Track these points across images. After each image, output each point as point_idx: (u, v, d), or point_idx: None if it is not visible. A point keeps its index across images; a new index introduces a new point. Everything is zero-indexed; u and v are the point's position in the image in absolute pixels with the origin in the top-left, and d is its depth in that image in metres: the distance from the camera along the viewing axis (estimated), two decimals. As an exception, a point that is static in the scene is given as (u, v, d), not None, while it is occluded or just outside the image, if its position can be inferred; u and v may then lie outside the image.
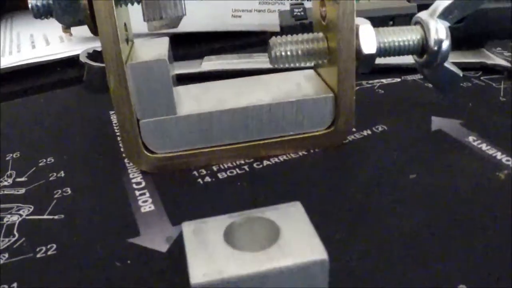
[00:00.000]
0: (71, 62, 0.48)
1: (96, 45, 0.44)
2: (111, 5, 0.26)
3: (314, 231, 0.19)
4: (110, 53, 0.27)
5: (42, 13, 0.28)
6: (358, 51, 0.29)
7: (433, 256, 0.22)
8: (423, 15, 0.32)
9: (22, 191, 0.29)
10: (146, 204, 0.27)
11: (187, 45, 0.50)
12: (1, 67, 0.47)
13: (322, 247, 0.19)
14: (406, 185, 0.27)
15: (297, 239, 0.19)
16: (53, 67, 0.48)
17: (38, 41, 0.54)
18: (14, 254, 0.24)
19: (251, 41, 0.52)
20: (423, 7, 0.42)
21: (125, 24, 0.29)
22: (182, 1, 0.26)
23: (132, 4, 0.28)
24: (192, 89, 0.32)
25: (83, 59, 0.43)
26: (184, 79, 0.40)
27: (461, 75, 0.32)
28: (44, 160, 0.32)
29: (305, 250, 0.19)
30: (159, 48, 0.29)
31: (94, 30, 0.27)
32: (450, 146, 0.30)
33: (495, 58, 0.41)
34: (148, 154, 0.29)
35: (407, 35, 0.31)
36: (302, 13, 0.44)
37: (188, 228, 0.20)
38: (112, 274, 0.23)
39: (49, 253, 0.24)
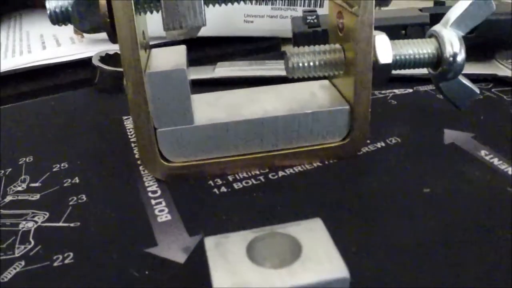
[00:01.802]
0: (82, 64, 0.48)
1: (108, 48, 0.44)
2: (131, 13, 0.26)
3: (335, 248, 0.20)
4: (129, 61, 0.27)
5: (60, 19, 0.28)
6: (374, 61, 0.29)
7: (448, 269, 0.23)
8: (437, 27, 0.32)
9: (36, 196, 0.30)
10: (162, 213, 0.27)
11: (199, 49, 0.50)
12: (13, 68, 0.47)
13: (344, 265, 0.19)
14: (420, 199, 0.27)
15: (318, 256, 0.19)
16: (64, 69, 0.48)
17: (48, 42, 0.54)
18: (30, 262, 0.25)
19: (263, 46, 0.52)
20: (435, 16, 0.43)
21: (143, 32, 0.29)
22: (203, 11, 0.26)
23: (151, 12, 0.28)
24: (207, 98, 0.32)
25: (95, 62, 0.43)
26: (197, 85, 0.40)
27: (478, 91, 0.32)
28: (58, 166, 0.32)
29: (327, 267, 0.19)
30: (177, 56, 0.29)
31: (113, 37, 0.27)
32: (463, 160, 0.30)
33: (505, 69, 0.41)
34: (164, 162, 0.29)
35: (423, 48, 0.31)
36: (315, 20, 0.44)
37: (210, 242, 0.20)
38: (130, 284, 0.23)
39: (66, 261, 0.24)
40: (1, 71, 0.46)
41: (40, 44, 0.53)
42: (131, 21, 0.26)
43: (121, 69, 0.41)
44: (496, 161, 0.30)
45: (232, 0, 0.29)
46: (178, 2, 0.26)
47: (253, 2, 0.29)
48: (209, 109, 0.31)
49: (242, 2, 0.29)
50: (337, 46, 0.30)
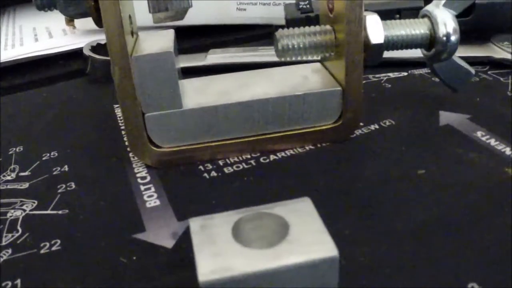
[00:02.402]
0: (75, 55, 0.47)
1: (100, 38, 0.44)
2: (116, -4, 0.25)
3: (324, 228, 0.19)
4: (115, 45, 0.26)
5: (45, 4, 0.28)
6: (366, 42, 0.29)
7: (443, 253, 0.22)
8: (429, 7, 0.31)
9: (25, 185, 0.29)
10: (151, 199, 0.27)
11: (191, 38, 0.49)
12: (4, 61, 0.46)
13: (333, 244, 0.18)
14: (415, 180, 0.27)
15: (306, 236, 0.19)
16: (56, 60, 0.48)
17: (41, 34, 0.53)
18: (17, 250, 0.24)
19: (256, 34, 0.51)
20: (430, 0, 0.42)
21: (129, 17, 0.28)
22: (189, -8, 0.26)
23: (137, -5, 0.28)
24: (197, 82, 0.32)
25: (86, 52, 0.43)
26: (189, 72, 0.40)
27: (473, 72, 0.32)
28: (48, 154, 0.32)
29: (315, 247, 0.18)
30: (165, 40, 0.29)
31: (98, 22, 0.27)
32: (458, 141, 0.30)
33: (502, 52, 0.40)
34: (153, 148, 0.29)
35: (415, 28, 0.31)
36: (308, 6, 0.43)
37: (195, 224, 0.20)
38: (117, 270, 0.22)
39: (53, 248, 0.24)
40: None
41: (32, 36, 0.53)
42: (116, 4, 0.25)
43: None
44: (492, 141, 0.30)
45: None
46: (164, -16, 0.26)
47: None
48: (198, 93, 0.30)
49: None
50: (328, 27, 0.30)
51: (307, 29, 0.29)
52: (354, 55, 0.28)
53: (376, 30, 0.29)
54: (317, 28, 0.30)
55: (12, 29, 0.58)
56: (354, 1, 0.27)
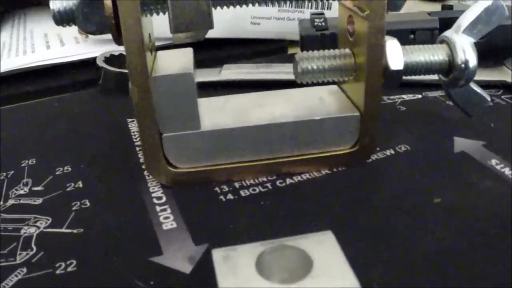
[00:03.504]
0: (86, 64, 0.47)
1: (112, 48, 0.44)
2: (137, 15, 0.25)
3: (347, 263, 0.19)
4: (134, 65, 0.26)
5: (64, 20, 0.28)
6: (385, 67, 0.29)
7: (460, 281, 0.22)
8: (448, 33, 0.31)
9: (39, 201, 0.29)
10: (167, 221, 0.27)
11: (206, 51, 0.49)
12: (17, 67, 0.46)
13: (356, 281, 0.18)
14: (431, 209, 0.27)
15: (330, 271, 0.19)
16: (68, 69, 0.48)
17: (52, 41, 0.53)
18: (32, 269, 0.24)
19: (269, 48, 0.51)
20: (444, 20, 0.42)
21: (149, 34, 0.28)
22: (211, 14, 0.26)
23: (158, 14, 0.28)
24: (214, 102, 0.32)
25: (100, 63, 0.42)
26: (203, 87, 0.40)
27: (489, 99, 0.32)
28: (61, 169, 0.32)
29: (339, 284, 0.18)
30: (184, 60, 0.29)
31: (118, 39, 0.27)
32: (473, 169, 0.30)
33: (516, 76, 0.40)
34: (170, 168, 0.29)
35: (434, 54, 0.31)
36: (323, 23, 0.43)
37: (218, 255, 0.19)
38: (134, 295, 0.22)
39: (68, 269, 0.24)
40: (6, 70, 0.46)
41: (44, 43, 0.53)
42: (137, 23, 0.25)
43: (125, 71, 0.40)
44: (507, 170, 0.29)
45: (240, 2, 0.28)
46: (186, 4, 0.25)
47: (261, 4, 0.28)
48: (216, 113, 0.30)
49: (250, 4, 0.29)
50: (347, 51, 0.30)
51: (326, 52, 0.29)
52: (373, 80, 0.28)
53: (395, 56, 0.29)
54: (337, 51, 0.30)
55: (23, 34, 0.58)
56: (376, 27, 0.27)
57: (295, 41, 0.47)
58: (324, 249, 0.19)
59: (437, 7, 0.67)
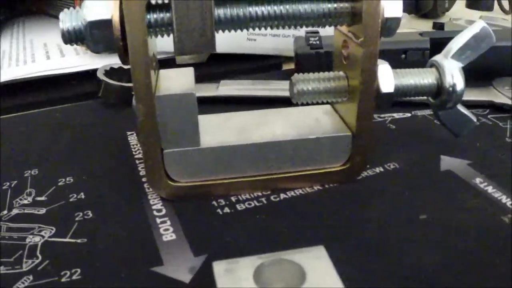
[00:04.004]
0: (87, 76, 0.48)
1: (112, 61, 0.45)
2: (144, 37, 0.26)
3: (337, 276, 0.20)
4: (141, 84, 0.27)
5: (73, 39, 0.29)
6: (377, 90, 0.30)
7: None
8: (438, 57, 0.33)
9: (42, 211, 0.30)
10: (167, 232, 0.28)
11: (202, 66, 0.50)
12: (18, 77, 0.47)
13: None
14: (417, 225, 0.28)
15: (322, 284, 0.20)
16: (68, 80, 0.49)
17: (52, 52, 0.54)
18: (38, 277, 0.25)
19: (265, 64, 0.53)
20: (435, 40, 0.44)
21: (153, 54, 0.30)
22: (214, 38, 0.27)
23: (162, 36, 0.29)
24: (214, 119, 0.33)
25: (100, 76, 0.44)
26: (200, 102, 0.41)
27: (475, 120, 0.33)
28: (63, 180, 0.33)
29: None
30: (186, 79, 0.30)
31: (125, 60, 0.28)
32: (458, 187, 0.31)
33: (502, 97, 0.42)
34: (170, 182, 0.30)
35: (423, 77, 0.32)
36: (318, 42, 0.45)
37: (219, 267, 0.21)
38: (137, 303, 0.24)
39: (73, 277, 0.25)
40: (6, 80, 0.47)
41: (44, 53, 0.54)
42: (144, 45, 0.27)
43: (126, 84, 0.41)
44: (490, 189, 0.31)
45: (241, 26, 0.29)
46: (191, 28, 0.27)
47: (260, 28, 0.30)
48: (216, 131, 0.31)
49: (251, 29, 0.30)
50: (341, 74, 0.31)
51: (321, 74, 0.31)
52: (365, 102, 0.30)
53: (387, 79, 0.30)
54: (331, 74, 0.31)
55: (23, 43, 0.59)
56: (370, 52, 0.28)
57: (291, 57, 0.48)
58: (316, 263, 0.21)
59: (428, 24, 0.69)
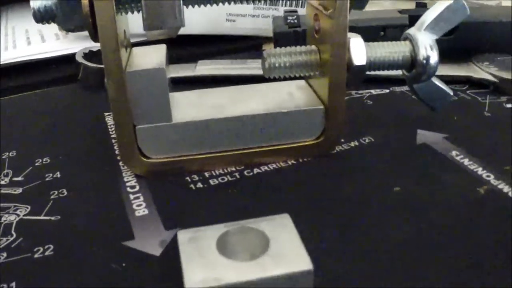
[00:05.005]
0: (67, 60, 0.48)
1: (92, 44, 0.45)
2: (112, 13, 0.26)
3: (301, 243, 0.21)
4: (110, 60, 0.27)
5: (44, 18, 0.29)
6: (349, 63, 0.30)
7: (419, 267, 0.24)
8: (411, 30, 0.33)
9: (19, 190, 0.30)
10: (140, 208, 0.28)
11: (181, 47, 0.51)
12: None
13: (308, 258, 0.20)
14: (391, 198, 0.28)
15: (285, 250, 0.20)
16: (48, 65, 0.49)
17: (33, 37, 0.54)
18: (12, 254, 0.25)
19: (245, 45, 0.53)
20: (414, 18, 0.44)
21: (124, 31, 0.30)
22: (182, 12, 0.27)
23: (132, 12, 0.29)
24: (188, 96, 0.33)
25: (79, 59, 0.44)
26: (178, 83, 0.41)
27: (452, 93, 0.34)
28: (40, 160, 0.33)
29: (292, 261, 0.20)
30: (157, 55, 0.30)
31: (95, 36, 0.28)
32: (434, 160, 0.32)
33: (482, 72, 0.42)
34: (143, 159, 0.30)
35: (396, 50, 0.32)
36: (296, 20, 0.45)
37: (183, 236, 0.21)
38: (108, 276, 0.24)
39: (46, 253, 0.25)
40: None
41: (25, 39, 0.54)
42: (112, 21, 0.27)
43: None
44: (466, 161, 0.31)
45: (210, 1, 0.29)
46: (159, 3, 0.27)
47: (232, 2, 0.30)
48: (189, 107, 0.31)
49: (220, 3, 0.30)
50: (313, 47, 0.31)
51: (293, 49, 0.31)
52: (337, 76, 0.30)
53: (359, 52, 0.30)
54: (303, 48, 0.31)
55: (5, 30, 0.59)
56: (340, 25, 0.28)
57: (270, 37, 0.48)
58: (281, 230, 0.21)
59: (412, 4, 0.69)
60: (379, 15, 0.46)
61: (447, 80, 0.35)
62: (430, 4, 0.64)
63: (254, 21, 0.52)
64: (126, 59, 0.29)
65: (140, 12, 0.28)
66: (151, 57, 0.30)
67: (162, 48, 0.31)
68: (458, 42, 0.44)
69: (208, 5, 0.30)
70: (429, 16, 0.33)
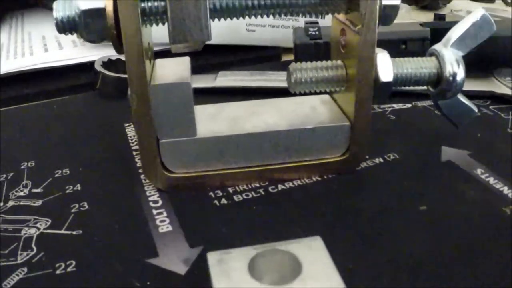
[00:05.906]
0: (84, 67, 0.48)
1: (110, 53, 0.44)
2: (138, 25, 0.26)
3: (334, 267, 0.20)
4: (134, 72, 0.27)
5: (67, 29, 0.29)
6: (375, 79, 0.30)
7: (442, 284, 0.23)
8: (437, 46, 0.32)
9: (38, 203, 0.30)
10: (163, 224, 0.28)
11: (201, 57, 0.50)
12: (16, 70, 0.47)
13: (342, 283, 0.19)
14: (416, 216, 0.28)
15: (318, 275, 0.20)
16: (66, 72, 0.48)
17: (50, 44, 0.54)
18: (33, 269, 0.25)
19: (264, 55, 0.52)
20: (435, 31, 0.43)
21: (148, 43, 0.29)
22: (209, 26, 0.27)
23: (157, 25, 0.29)
24: (210, 109, 0.33)
25: (98, 67, 0.43)
26: (198, 93, 0.40)
27: (476, 110, 0.33)
28: (60, 172, 0.33)
29: (326, 286, 0.19)
30: (181, 68, 0.30)
31: (119, 48, 0.28)
32: (459, 178, 0.31)
33: (503, 87, 0.42)
34: (166, 173, 0.30)
35: (423, 66, 0.32)
36: (317, 32, 0.44)
37: (213, 258, 0.20)
38: (131, 295, 0.23)
39: (68, 269, 0.25)
40: (5, 72, 0.46)
41: (42, 46, 0.54)
42: (137, 34, 0.26)
43: (123, 76, 0.41)
44: (491, 180, 0.31)
45: (237, 14, 0.29)
46: (185, 16, 0.26)
47: (257, 16, 0.29)
48: (211, 121, 0.31)
49: (247, 17, 0.30)
50: (339, 62, 0.31)
51: (319, 63, 0.30)
52: (364, 92, 0.29)
53: (385, 68, 0.30)
54: (329, 63, 0.31)
55: (21, 35, 0.59)
56: (368, 40, 0.28)
57: (290, 48, 0.48)
58: (312, 254, 0.20)
59: (429, 16, 0.69)
60: (400, 28, 0.45)
61: (470, 95, 0.35)
62: (448, 16, 0.63)
63: (273, 31, 0.52)
64: (150, 71, 0.29)
65: (166, 24, 0.27)
66: (175, 70, 0.29)
67: (186, 61, 0.31)
68: (479, 57, 0.43)
69: (234, 18, 0.29)
70: (455, 33, 0.32)
